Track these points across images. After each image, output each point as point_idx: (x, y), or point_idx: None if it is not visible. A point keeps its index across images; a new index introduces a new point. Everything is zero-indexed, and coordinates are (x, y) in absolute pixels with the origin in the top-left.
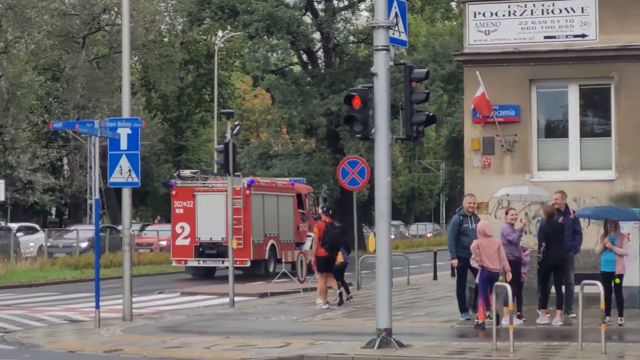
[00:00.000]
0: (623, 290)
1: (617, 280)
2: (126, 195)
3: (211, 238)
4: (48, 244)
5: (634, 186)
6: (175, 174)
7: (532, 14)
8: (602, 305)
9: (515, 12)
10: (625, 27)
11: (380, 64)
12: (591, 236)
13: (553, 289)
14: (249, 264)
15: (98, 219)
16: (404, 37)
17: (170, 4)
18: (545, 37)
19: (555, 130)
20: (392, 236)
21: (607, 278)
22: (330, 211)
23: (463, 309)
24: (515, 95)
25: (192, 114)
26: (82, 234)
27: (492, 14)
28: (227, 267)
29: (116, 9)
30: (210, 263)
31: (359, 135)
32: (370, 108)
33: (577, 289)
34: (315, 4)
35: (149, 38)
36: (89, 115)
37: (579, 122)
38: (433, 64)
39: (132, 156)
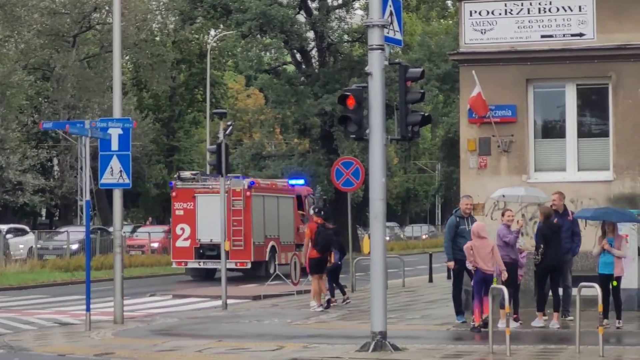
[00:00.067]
0: (621, 293)
1: (615, 283)
2: (117, 196)
3: (211, 239)
4: (38, 245)
5: (632, 187)
6: (175, 175)
7: (528, 13)
8: (600, 307)
9: (511, 10)
10: (624, 26)
11: (375, 64)
12: (589, 238)
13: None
14: (249, 266)
15: (89, 220)
16: (399, 36)
17: (162, 3)
18: (542, 36)
19: (552, 130)
20: (387, 238)
21: (605, 280)
22: (322, 212)
23: (459, 311)
24: (511, 95)
25: (184, 114)
26: (72, 235)
27: (488, 12)
28: (227, 269)
29: (107, 8)
30: (210, 265)
31: (354, 136)
32: (365, 108)
33: (574, 291)
34: (309, 2)
35: (141, 37)
36: (79, 116)
37: (577, 122)
38: (428, 64)
39: (123, 157)
